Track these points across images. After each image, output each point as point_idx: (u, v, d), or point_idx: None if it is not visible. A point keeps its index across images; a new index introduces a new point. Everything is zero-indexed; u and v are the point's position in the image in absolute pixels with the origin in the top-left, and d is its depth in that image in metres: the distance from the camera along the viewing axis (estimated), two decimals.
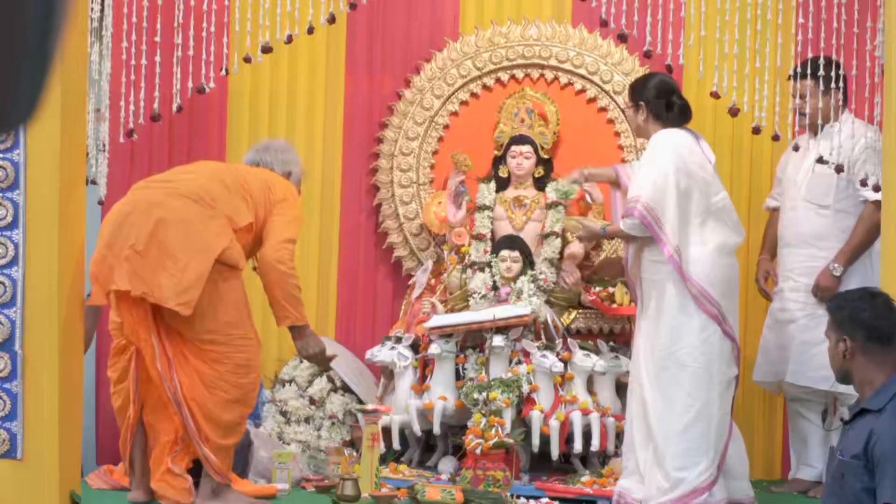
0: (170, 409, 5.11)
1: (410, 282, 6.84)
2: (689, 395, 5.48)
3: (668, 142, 5.70)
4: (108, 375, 5.30)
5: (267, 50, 5.89)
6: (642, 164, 5.75)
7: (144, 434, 5.26)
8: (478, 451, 5.59)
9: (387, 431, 6.10)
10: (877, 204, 5.97)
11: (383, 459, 5.94)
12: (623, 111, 6.00)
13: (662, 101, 5.81)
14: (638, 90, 5.88)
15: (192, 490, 5.20)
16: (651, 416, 5.50)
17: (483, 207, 6.66)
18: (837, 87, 5.87)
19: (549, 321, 6.20)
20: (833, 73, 5.69)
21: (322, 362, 5.57)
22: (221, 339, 5.10)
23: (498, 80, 6.96)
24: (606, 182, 6.27)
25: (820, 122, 5.80)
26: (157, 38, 5.91)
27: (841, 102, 6.01)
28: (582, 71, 6.90)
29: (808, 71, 5.76)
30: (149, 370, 5.09)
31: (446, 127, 6.98)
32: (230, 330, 5.12)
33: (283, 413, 6.06)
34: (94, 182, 5.85)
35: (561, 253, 6.58)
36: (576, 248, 6.54)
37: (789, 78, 6.06)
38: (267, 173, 5.51)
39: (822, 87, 5.84)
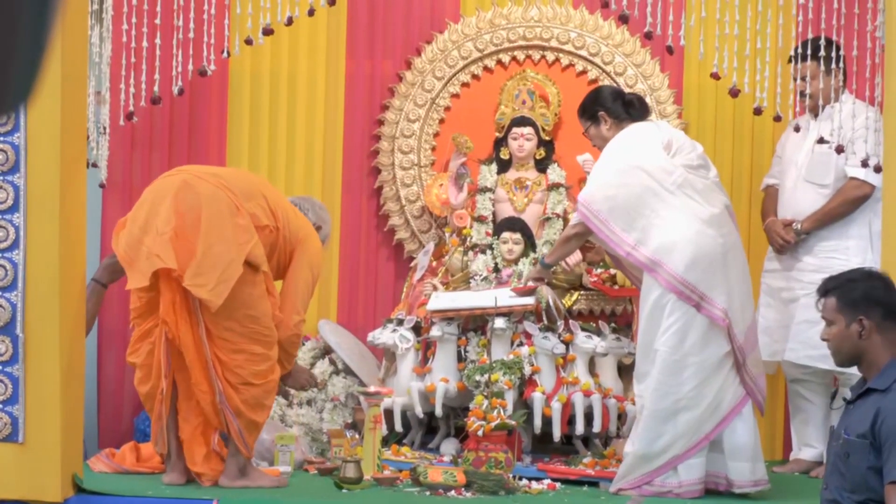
0: (201, 387, 5.14)
1: (412, 264, 6.83)
2: (657, 380, 5.38)
3: (615, 141, 5.69)
4: (131, 362, 5.29)
5: (268, 32, 5.87)
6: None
7: (175, 417, 5.28)
8: (480, 432, 5.59)
9: (389, 414, 6.11)
10: (859, 181, 6.01)
11: (385, 442, 5.95)
12: (585, 134, 5.95)
13: (619, 103, 5.83)
14: (591, 105, 5.87)
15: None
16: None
17: (484, 189, 6.65)
18: (839, 68, 5.89)
19: (551, 303, 6.19)
20: (834, 54, 5.69)
21: (315, 384, 5.93)
22: (240, 329, 5.15)
23: (499, 62, 6.94)
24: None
25: (821, 102, 5.80)
26: (158, 21, 5.89)
27: (841, 83, 6.02)
28: (583, 52, 6.88)
29: (810, 52, 5.76)
30: (182, 351, 5.12)
31: (447, 109, 6.97)
32: (249, 324, 5.17)
33: (285, 395, 6.06)
34: (94, 165, 5.86)
35: None
36: None
37: (790, 60, 6.05)
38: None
39: (823, 67, 5.86)
